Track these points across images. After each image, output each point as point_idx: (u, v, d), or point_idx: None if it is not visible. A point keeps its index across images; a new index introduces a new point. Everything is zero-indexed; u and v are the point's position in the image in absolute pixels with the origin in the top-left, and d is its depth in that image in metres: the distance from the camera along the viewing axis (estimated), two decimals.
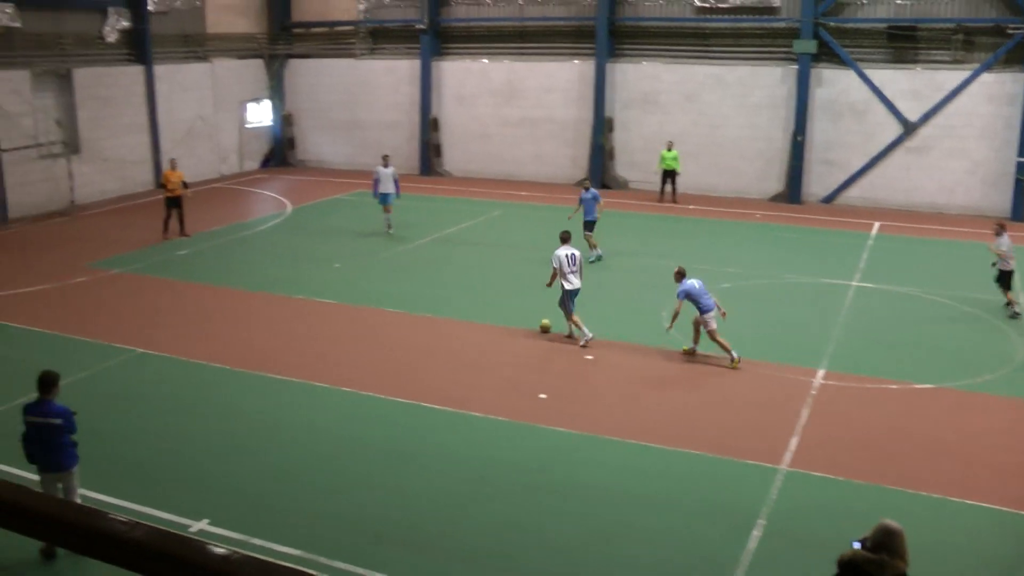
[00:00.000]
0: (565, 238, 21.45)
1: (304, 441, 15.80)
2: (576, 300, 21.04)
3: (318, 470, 14.73)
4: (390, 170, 30.50)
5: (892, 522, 8.86)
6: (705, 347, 20.22)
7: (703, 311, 19.68)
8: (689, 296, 19.70)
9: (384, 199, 30.55)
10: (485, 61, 42.45)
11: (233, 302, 24.04)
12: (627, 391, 18.30)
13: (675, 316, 19.77)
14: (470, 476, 14.59)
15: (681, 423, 16.83)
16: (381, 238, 30.55)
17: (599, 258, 27.69)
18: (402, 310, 23.16)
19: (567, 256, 20.86)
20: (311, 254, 28.47)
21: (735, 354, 19.59)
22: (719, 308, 19.85)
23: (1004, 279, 23.98)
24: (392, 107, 44.19)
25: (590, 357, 20.01)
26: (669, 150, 37.39)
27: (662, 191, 37.67)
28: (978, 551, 12.99)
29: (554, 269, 20.84)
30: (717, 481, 14.65)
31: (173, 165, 30.91)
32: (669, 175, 37.49)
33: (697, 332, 20.16)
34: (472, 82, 42.70)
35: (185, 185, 30.47)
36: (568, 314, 20.93)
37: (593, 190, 28.05)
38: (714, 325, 19.63)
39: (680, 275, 20.23)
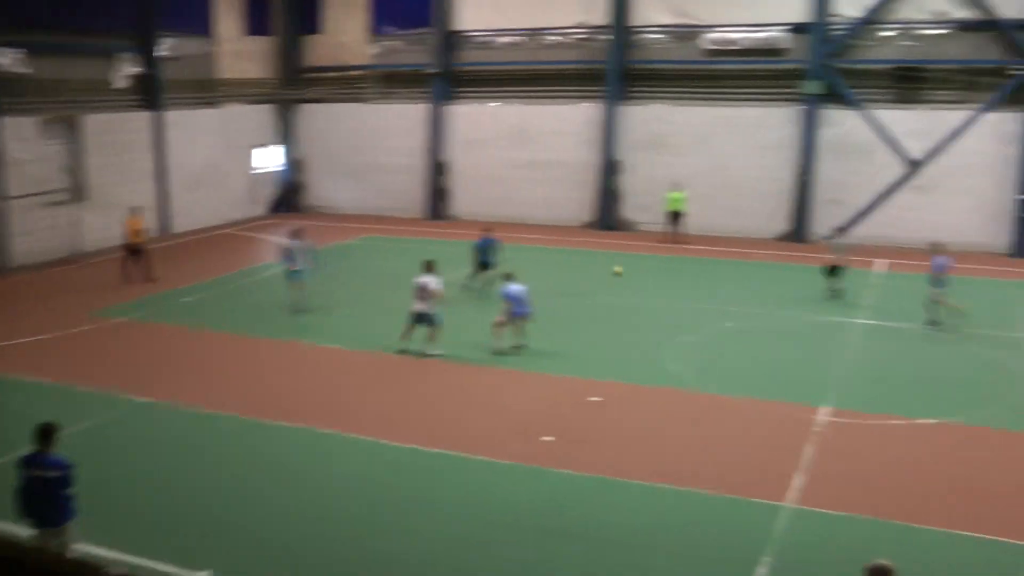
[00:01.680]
0: (429, 267, 23.18)
1: (313, 488, 15.82)
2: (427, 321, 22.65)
3: (328, 517, 14.74)
4: (301, 243, 27.18)
5: (883, 561, 8.92)
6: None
7: (515, 314, 22.82)
8: (508, 297, 22.86)
9: (295, 275, 27.06)
10: (495, 105, 42.86)
11: (239, 348, 24.07)
12: (632, 431, 18.42)
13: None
14: (481, 520, 14.64)
15: (686, 462, 16.93)
16: (387, 281, 30.51)
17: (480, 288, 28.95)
18: (411, 355, 23.12)
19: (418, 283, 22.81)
20: (318, 299, 28.31)
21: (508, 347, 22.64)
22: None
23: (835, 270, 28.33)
24: (403, 151, 44.56)
25: (595, 399, 20.08)
26: (676, 191, 37.64)
27: (669, 232, 37.90)
28: None
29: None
30: (723, 519, 14.74)
31: (134, 213, 31.13)
32: (675, 216, 37.76)
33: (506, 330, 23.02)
34: (482, 125, 43.11)
35: (138, 234, 30.60)
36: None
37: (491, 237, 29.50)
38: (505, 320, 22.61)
39: (507, 278, 23.36)
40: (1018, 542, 14.15)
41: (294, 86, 46.22)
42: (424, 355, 22.76)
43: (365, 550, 13.74)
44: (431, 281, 22.93)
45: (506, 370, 22.04)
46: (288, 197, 46.70)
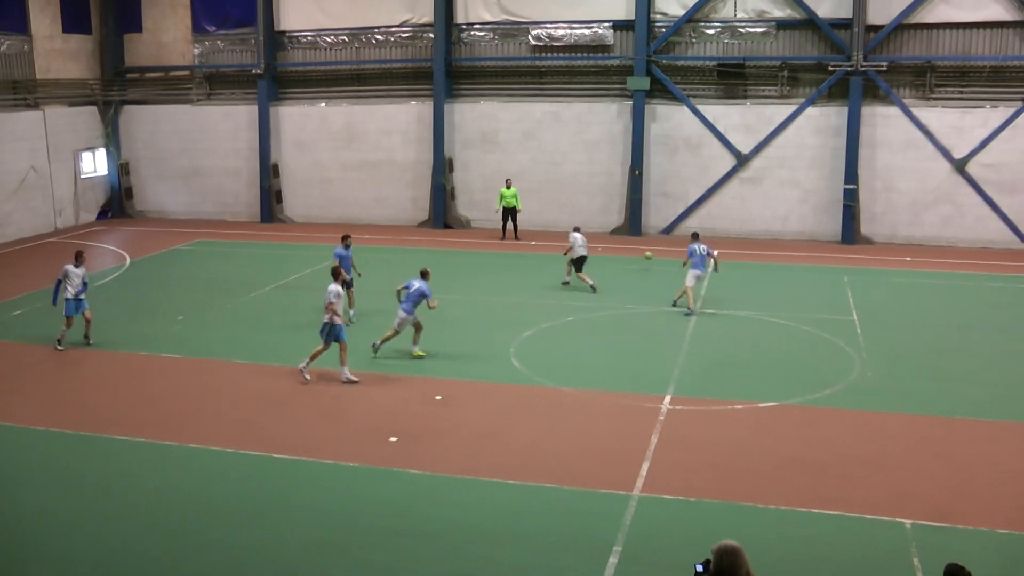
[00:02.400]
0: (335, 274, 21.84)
1: (153, 505, 15.10)
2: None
3: (171, 534, 14.09)
4: (81, 270, 24.00)
5: (729, 541, 8.86)
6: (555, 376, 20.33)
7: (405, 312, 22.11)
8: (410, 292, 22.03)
9: (77, 307, 23.82)
10: (323, 105, 42.24)
11: (68, 362, 23.04)
12: (479, 428, 18.29)
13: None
14: (331, 525, 14.29)
15: (534, 457, 16.89)
16: (224, 288, 29.78)
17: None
18: (250, 361, 22.62)
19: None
20: (152, 308, 27.60)
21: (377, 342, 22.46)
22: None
23: (579, 264, 29.21)
24: (231, 154, 43.52)
25: (439, 397, 19.91)
26: (508, 188, 37.72)
27: (504, 229, 38.00)
28: (830, 557, 13.40)
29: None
30: (573, 511, 14.73)
31: None
32: (509, 213, 37.82)
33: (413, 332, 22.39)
34: (311, 127, 42.42)
35: None
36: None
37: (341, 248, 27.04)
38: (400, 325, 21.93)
39: (423, 275, 22.54)
40: (856, 515, 14.61)
41: (117, 87, 44.50)
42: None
43: (216, 564, 13.23)
44: (330, 290, 21.28)
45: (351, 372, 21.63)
46: (116, 203, 44.97)
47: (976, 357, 23.06)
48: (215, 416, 19.03)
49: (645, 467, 16.31)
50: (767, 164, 38.15)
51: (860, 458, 16.90)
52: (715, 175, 38.59)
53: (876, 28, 36.64)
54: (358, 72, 42.02)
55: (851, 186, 37.01)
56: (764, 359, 22.82)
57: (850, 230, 37.32)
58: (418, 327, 22.61)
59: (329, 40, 42.06)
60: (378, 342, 22.69)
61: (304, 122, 42.50)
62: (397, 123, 41.41)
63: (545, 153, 39.96)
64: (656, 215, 39.22)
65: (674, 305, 27.23)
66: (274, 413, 19.08)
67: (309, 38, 42.28)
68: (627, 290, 29.43)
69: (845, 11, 36.60)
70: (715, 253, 27.48)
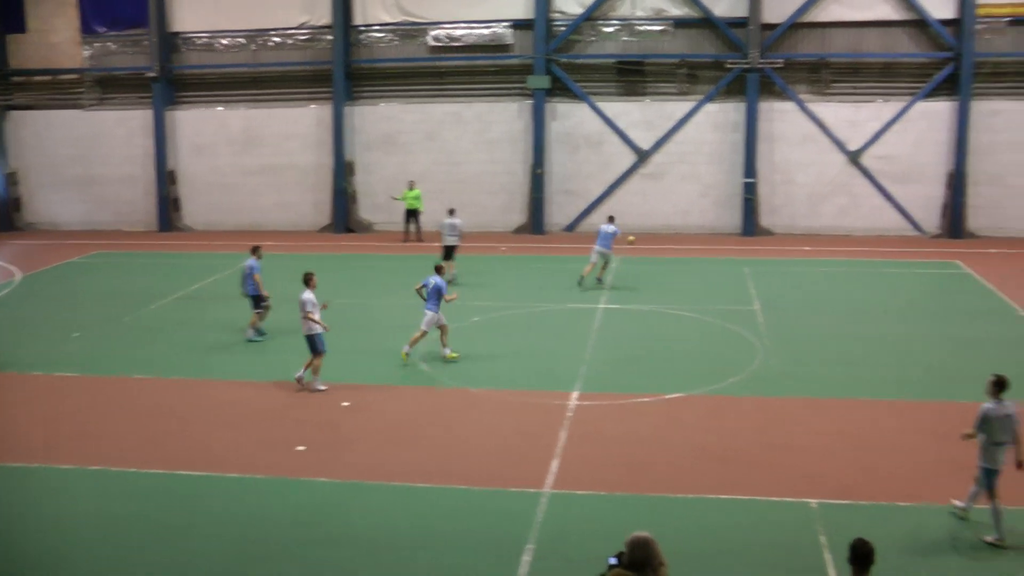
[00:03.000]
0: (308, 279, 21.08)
1: (53, 530, 14.55)
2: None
3: (71, 561, 13.56)
4: None
5: (641, 533, 8.93)
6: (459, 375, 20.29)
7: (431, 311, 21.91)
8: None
9: None
10: (221, 109, 41.61)
11: None
12: (387, 433, 18.12)
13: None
14: (239, 539, 13.98)
15: (444, 459, 16.82)
16: (122, 301, 28.92)
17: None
18: (151, 375, 21.92)
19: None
20: (46, 325, 26.62)
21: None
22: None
23: (448, 252, 30.17)
24: (127, 161, 42.39)
25: (346, 403, 19.69)
26: (411, 189, 37.57)
27: (406, 231, 37.84)
28: (740, 541, 13.62)
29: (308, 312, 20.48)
30: (485, 511, 14.72)
31: None
32: (412, 214, 37.67)
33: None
34: (209, 131, 41.68)
35: None
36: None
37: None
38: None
39: (438, 270, 22.29)
40: (764, 498, 14.94)
41: (1, 91, 43.09)
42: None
43: None
44: (305, 300, 20.57)
45: (250, 382, 21.28)
46: (2, 215, 43.36)
47: (874, 340, 23.66)
48: (115, 435, 18.34)
49: (555, 464, 16.34)
50: (668, 160, 38.61)
51: (766, 443, 17.25)
52: (616, 172, 38.93)
53: (771, 26, 37.43)
54: (256, 75, 41.41)
55: (750, 180, 37.68)
56: (669, 351, 23.09)
57: (750, 222, 38.03)
58: (444, 328, 22.41)
59: (225, 42, 41.34)
60: (407, 347, 22.22)
61: (201, 127, 41.77)
62: (297, 127, 40.97)
63: (447, 154, 39.89)
64: (559, 213, 39.42)
65: (579, 284, 29.07)
66: (177, 428, 18.55)
67: (204, 39, 41.47)
68: (532, 289, 29.50)
69: (741, 10, 37.28)
70: (628, 237, 29.45)
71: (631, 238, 31.02)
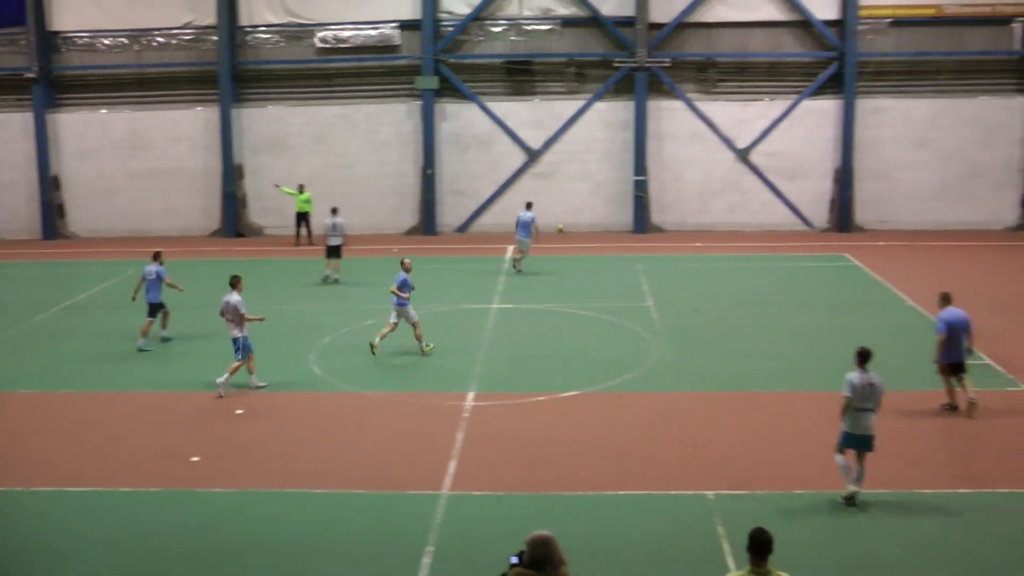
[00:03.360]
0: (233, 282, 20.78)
1: None
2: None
3: None
4: None
5: (541, 532, 8.90)
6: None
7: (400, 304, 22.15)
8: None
9: None
10: (105, 112, 40.59)
11: None
12: (283, 440, 17.88)
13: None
14: (132, 555, 13.61)
15: (341, 464, 16.67)
16: (5, 313, 27.84)
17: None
18: (37, 389, 21.22)
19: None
20: None
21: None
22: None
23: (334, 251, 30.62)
24: (7, 166, 40.77)
25: (240, 411, 19.35)
26: (301, 192, 37.12)
27: (297, 235, 37.40)
28: (639, 536, 13.76)
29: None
30: (383, 515, 14.61)
31: None
32: (303, 217, 37.21)
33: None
34: (93, 135, 40.51)
35: None
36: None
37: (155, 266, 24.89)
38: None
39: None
40: (661, 492, 15.17)
41: None
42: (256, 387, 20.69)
43: None
44: (231, 299, 20.47)
45: (142, 392, 20.79)
46: None
47: (766, 333, 24.12)
48: None
49: (452, 465, 16.31)
50: (558, 159, 38.80)
51: (661, 438, 17.48)
52: (507, 171, 38.99)
53: (658, 26, 37.89)
54: (140, 76, 40.40)
55: (641, 177, 38.04)
56: (564, 350, 23.18)
57: (641, 220, 38.41)
58: (415, 323, 22.48)
59: (108, 42, 40.17)
60: (376, 339, 22.54)
61: (85, 130, 40.65)
62: (184, 129, 40.18)
63: (336, 156, 39.52)
64: (450, 214, 39.35)
65: (515, 268, 31.30)
66: (65, 444, 18.00)
67: (86, 39, 40.24)
68: (425, 290, 29.25)
69: (628, 9, 37.63)
70: (558, 226, 30.79)
71: (560, 227, 31.39)
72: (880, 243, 35.76)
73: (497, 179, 39.04)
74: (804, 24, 37.70)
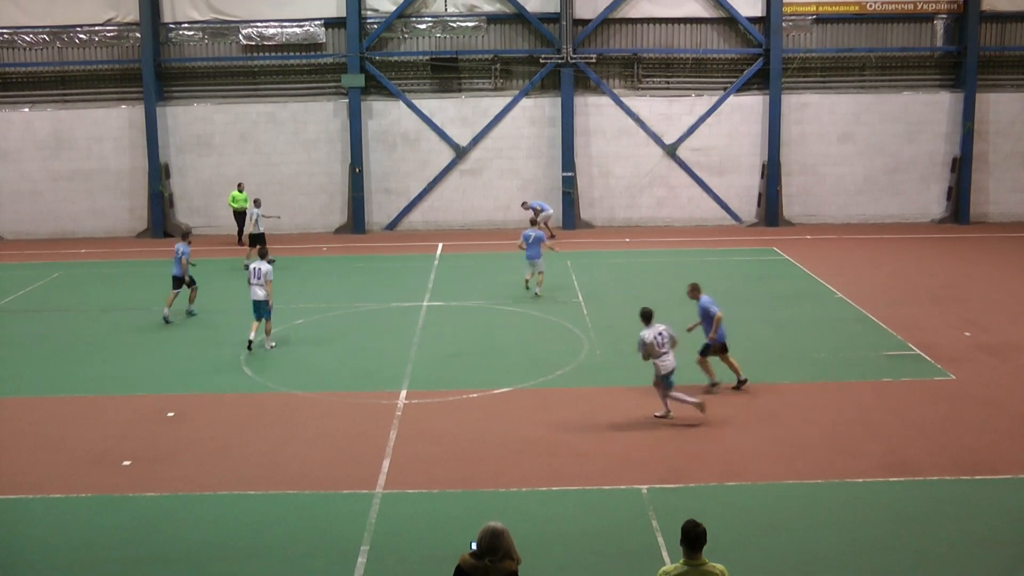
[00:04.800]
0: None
1: None
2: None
3: None
4: None
5: (494, 523, 9.19)
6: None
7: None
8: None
9: None
10: (27, 110, 39.80)
11: None
12: (214, 442, 17.72)
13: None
14: (64, 563, 13.41)
15: (274, 465, 16.55)
16: None
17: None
18: None
19: None
20: None
21: None
22: None
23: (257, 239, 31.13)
24: None
25: (171, 414, 19.09)
26: (240, 191, 36.73)
27: (240, 233, 36.99)
28: (573, 531, 13.86)
29: None
30: (317, 516, 14.55)
31: None
32: (241, 216, 36.83)
33: None
34: (15, 134, 39.61)
35: None
36: None
37: None
38: None
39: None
40: (595, 487, 15.26)
41: None
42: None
43: None
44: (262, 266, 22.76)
45: (71, 397, 20.44)
46: None
47: (697, 328, 24.10)
48: None
49: (386, 464, 16.30)
50: (486, 155, 38.85)
51: (594, 433, 17.59)
52: (435, 168, 38.94)
53: (584, 22, 38.07)
54: (62, 74, 39.70)
55: (569, 173, 38.17)
56: (496, 346, 23.23)
57: (570, 216, 38.57)
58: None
59: (28, 39, 39.34)
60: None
61: (7, 129, 39.73)
62: (108, 128, 39.54)
63: (263, 155, 39.17)
64: (379, 212, 39.20)
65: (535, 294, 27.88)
66: None
67: (5, 36, 39.27)
68: (354, 288, 29.26)
69: (553, 6, 37.77)
70: (544, 237, 28.28)
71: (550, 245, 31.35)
72: (808, 237, 36.27)
73: (426, 176, 38.96)
74: (729, 20, 38.14)
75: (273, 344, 23.06)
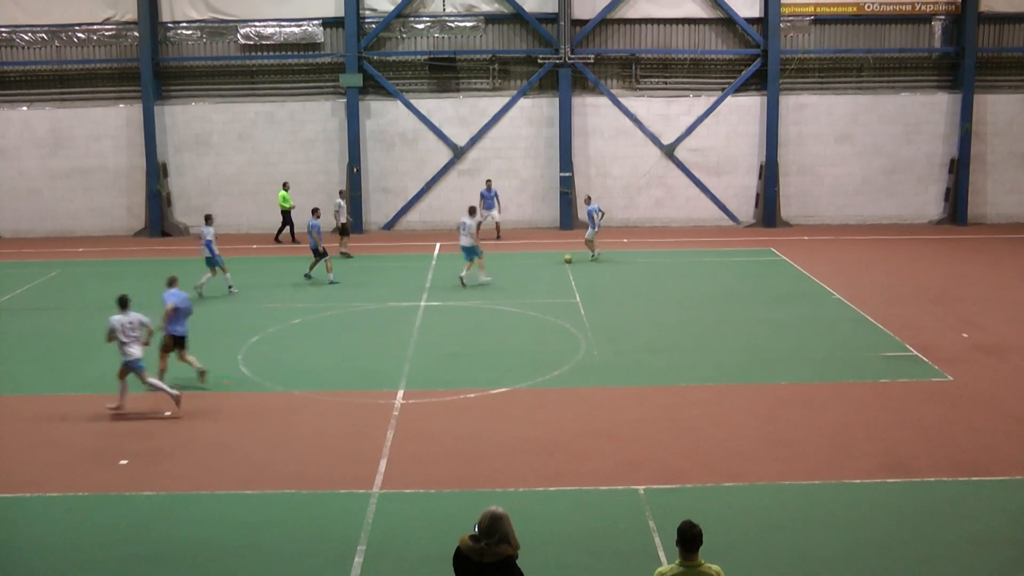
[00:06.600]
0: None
1: None
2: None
3: None
4: None
5: (496, 508, 9.27)
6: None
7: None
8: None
9: None
10: (25, 109, 39.81)
11: None
12: (211, 441, 17.72)
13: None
14: (62, 561, 13.38)
15: (271, 464, 16.53)
16: None
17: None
18: None
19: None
20: None
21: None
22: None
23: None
24: None
25: (168, 413, 19.07)
26: (285, 189, 36.73)
27: (279, 232, 37.23)
28: (570, 531, 13.85)
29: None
30: (314, 515, 14.54)
31: None
32: (287, 215, 36.92)
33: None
34: (13, 133, 39.64)
35: None
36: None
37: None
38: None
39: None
40: (592, 487, 15.25)
41: None
42: None
43: None
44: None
45: (69, 396, 20.42)
46: None
47: (693, 327, 24.40)
48: None
49: (383, 463, 16.28)
50: (483, 155, 38.90)
51: (591, 433, 17.55)
52: (433, 168, 38.99)
53: (582, 22, 38.16)
54: (61, 73, 39.72)
55: (566, 173, 38.20)
56: (493, 346, 23.20)
57: (568, 216, 38.64)
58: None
59: (27, 37, 39.36)
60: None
61: (5, 128, 39.74)
62: (106, 127, 39.55)
63: (261, 154, 39.20)
64: (377, 211, 39.24)
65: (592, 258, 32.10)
66: None
67: (4, 35, 39.32)
68: (351, 288, 29.24)
69: (551, 6, 37.82)
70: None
71: (567, 256, 32.37)
72: (805, 237, 36.33)
73: (423, 176, 39.01)
74: (727, 21, 38.20)
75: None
